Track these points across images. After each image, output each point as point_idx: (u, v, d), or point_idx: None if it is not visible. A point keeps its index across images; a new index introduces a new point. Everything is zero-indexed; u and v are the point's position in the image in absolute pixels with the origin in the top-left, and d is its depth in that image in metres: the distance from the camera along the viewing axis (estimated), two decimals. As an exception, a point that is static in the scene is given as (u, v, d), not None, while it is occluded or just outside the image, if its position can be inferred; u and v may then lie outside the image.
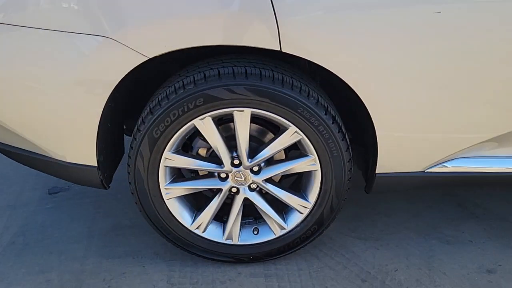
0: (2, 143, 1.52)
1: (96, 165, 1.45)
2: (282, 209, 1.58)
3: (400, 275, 1.59)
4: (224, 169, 1.47)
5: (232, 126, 1.44)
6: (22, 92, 1.35)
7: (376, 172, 1.47)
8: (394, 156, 1.44)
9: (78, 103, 1.33)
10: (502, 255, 1.68)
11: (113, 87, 1.30)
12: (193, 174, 1.62)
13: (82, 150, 1.42)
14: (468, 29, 1.27)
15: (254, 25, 1.24)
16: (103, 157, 1.47)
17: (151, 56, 1.26)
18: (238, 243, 1.59)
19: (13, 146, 1.50)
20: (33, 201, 2.04)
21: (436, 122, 1.38)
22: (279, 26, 1.22)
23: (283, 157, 1.56)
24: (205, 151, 1.56)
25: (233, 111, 1.36)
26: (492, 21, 1.28)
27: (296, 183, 1.61)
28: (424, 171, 1.48)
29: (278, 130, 1.49)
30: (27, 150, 1.49)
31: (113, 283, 1.55)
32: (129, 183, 1.49)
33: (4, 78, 1.34)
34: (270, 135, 1.54)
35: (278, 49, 1.25)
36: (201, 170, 1.52)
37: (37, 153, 1.49)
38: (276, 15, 1.21)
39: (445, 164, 1.47)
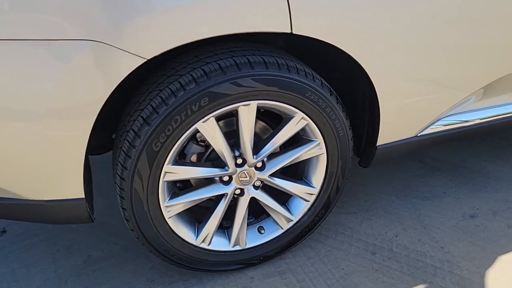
0: None
1: (84, 196, 1.20)
2: (284, 201, 1.50)
3: (402, 239, 1.63)
4: (229, 171, 1.33)
5: (225, 124, 1.31)
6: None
7: (377, 144, 1.46)
8: (393, 125, 1.45)
9: (64, 128, 1.07)
10: (474, 198, 1.83)
11: (104, 100, 1.08)
12: (180, 185, 1.45)
13: (68, 183, 1.16)
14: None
15: (267, 10, 1.11)
16: (86, 186, 1.22)
17: (149, 58, 1.06)
18: (247, 247, 1.48)
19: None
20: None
21: (428, 84, 1.41)
22: (291, 10, 1.11)
23: (278, 149, 1.47)
24: (195, 156, 1.40)
25: (239, 106, 1.23)
26: None
27: (294, 172, 1.53)
28: (417, 135, 1.52)
29: (273, 121, 1.39)
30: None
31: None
32: (123, 209, 1.27)
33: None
34: (264, 128, 1.44)
35: (289, 31, 1.15)
36: (206, 177, 1.35)
37: (4, 198, 1.18)
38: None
39: (433, 125, 1.52)
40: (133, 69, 1.06)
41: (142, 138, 1.17)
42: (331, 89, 1.32)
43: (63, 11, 0.98)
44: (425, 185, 1.91)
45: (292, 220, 1.49)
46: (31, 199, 1.18)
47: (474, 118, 1.56)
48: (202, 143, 1.38)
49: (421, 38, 1.31)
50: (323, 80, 1.30)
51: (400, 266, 1.52)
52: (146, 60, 1.06)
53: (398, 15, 1.26)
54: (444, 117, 1.52)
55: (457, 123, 1.55)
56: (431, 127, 1.52)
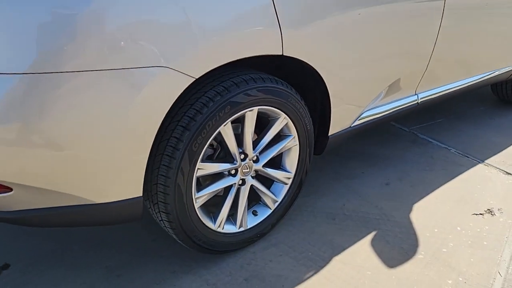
0: (37, 208, 1.34)
1: (142, 194, 1.48)
2: (268, 187, 1.93)
3: (348, 206, 2.18)
4: (237, 165, 1.72)
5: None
6: (72, 143, 1.28)
7: (329, 134, 2.00)
8: (338, 119, 2.00)
9: (136, 135, 1.36)
10: (383, 172, 2.48)
11: (165, 112, 1.40)
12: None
13: (131, 183, 1.43)
14: (372, 25, 1.92)
15: (265, 38, 1.56)
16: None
17: (197, 77, 1.43)
18: (248, 227, 1.86)
19: (49, 208, 1.35)
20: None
21: (360, 86, 2.00)
22: (283, 37, 1.59)
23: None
24: (207, 157, 1.75)
25: (246, 112, 1.64)
26: (385, 21, 1.96)
27: (273, 162, 1.96)
28: (351, 126, 2.10)
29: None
30: (62, 207, 1.37)
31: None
32: (166, 204, 1.56)
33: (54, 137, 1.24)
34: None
35: (281, 54, 1.62)
36: (222, 171, 1.71)
37: (72, 206, 1.39)
38: (281, 29, 1.57)
39: (359, 118, 2.12)
40: (186, 87, 1.42)
41: (184, 141, 1.50)
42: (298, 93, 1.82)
43: (138, 45, 1.30)
44: (348, 169, 2.51)
45: (277, 201, 1.92)
46: (97, 202, 1.41)
47: (381, 111, 2.21)
48: (211, 146, 1.75)
49: (357, 58, 1.89)
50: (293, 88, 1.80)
51: (354, 223, 2.05)
52: (195, 79, 1.43)
53: (344, 46, 1.81)
54: (365, 111, 2.13)
55: (372, 115, 2.17)
56: (358, 119, 2.11)
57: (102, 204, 1.43)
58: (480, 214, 2.14)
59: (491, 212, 2.16)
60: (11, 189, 1.31)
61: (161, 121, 1.41)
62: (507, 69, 2.94)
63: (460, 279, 1.75)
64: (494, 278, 1.76)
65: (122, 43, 1.27)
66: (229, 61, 1.50)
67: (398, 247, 1.91)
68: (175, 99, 1.41)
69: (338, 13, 1.74)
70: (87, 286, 1.69)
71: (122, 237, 1.95)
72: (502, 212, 2.16)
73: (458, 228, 2.04)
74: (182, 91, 1.41)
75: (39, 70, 1.19)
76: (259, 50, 1.56)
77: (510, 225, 2.07)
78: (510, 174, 2.49)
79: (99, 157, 1.34)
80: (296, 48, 1.65)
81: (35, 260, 1.82)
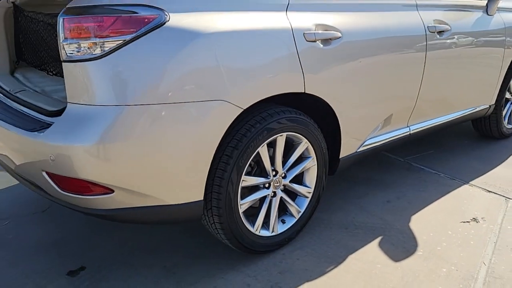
0: (127, 208, 1.79)
1: (203, 198, 1.92)
2: (293, 199, 2.37)
3: (358, 219, 2.61)
4: (270, 179, 2.18)
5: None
6: (158, 157, 1.75)
7: (340, 157, 2.47)
8: (347, 145, 2.47)
9: (201, 152, 1.83)
10: (383, 192, 2.93)
11: (222, 134, 1.88)
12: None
13: (196, 188, 1.88)
14: (372, 73, 2.44)
15: (292, 79, 2.07)
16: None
17: (245, 108, 1.92)
18: (279, 232, 2.29)
19: (137, 207, 1.80)
20: None
21: (364, 120, 2.50)
22: (306, 79, 2.10)
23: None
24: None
25: (277, 136, 2.12)
26: (381, 70, 2.48)
27: (296, 179, 2.41)
28: (356, 152, 2.58)
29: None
30: (146, 206, 1.82)
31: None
32: (219, 208, 2.00)
33: (147, 152, 1.72)
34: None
35: (303, 91, 2.12)
36: (259, 184, 2.16)
37: (153, 206, 1.83)
38: (304, 73, 2.09)
39: (363, 145, 2.60)
40: (236, 116, 1.90)
41: (233, 158, 1.96)
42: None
43: (206, 85, 1.80)
44: (355, 191, 2.96)
45: (300, 212, 2.36)
46: (172, 203, 1.86)
47: (379, 140, 2.69)
48: (250, 165, 2.21)
49: (360, 98, 2.40)
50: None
51: (364, 231, 2.48)
52: (243, 109, 1.91)
53: (350, 88, 2.32)
54: (367, 140, 2.62)
55: (372, 143, 2.65)
56: (362, 146, 2.59)
57: (175, 205, 1.88)
58: (467, 221, 2.58)
59: (476, 220, 2.60)
60: (113, 191, 1.76)
61: (219, 141, 1.88)
62: (482, 107, 3.47)
63: (452, 268, 2.17)
64: (480, 267, 2.18)
65: (194, 84, 1.77)
66: (267, 96, 1.99)
67: (401, 247, 2.34)
68: (228, 125, 1.89)
69: (346, 63, 2.27)
70: (150, 281, 2.09)
71: (175, 242, 2.36)
72: (485, 220, 2.60)
73: (449, 232, 2.47)
74: (234, 119, 1.90)
75: (138, 103, 1.68)
76: (288, 89, 2.07)
77: (491, 229, 2.51)
78: (491, 191, 2.95)
79: (175, 168, 1.80)
80: (314, 88, 2.16)
81: (107, 261, 2.23)
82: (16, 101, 2.17)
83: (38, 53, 2.53)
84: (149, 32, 1.69)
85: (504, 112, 3.77)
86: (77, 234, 2.46)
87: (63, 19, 1.67)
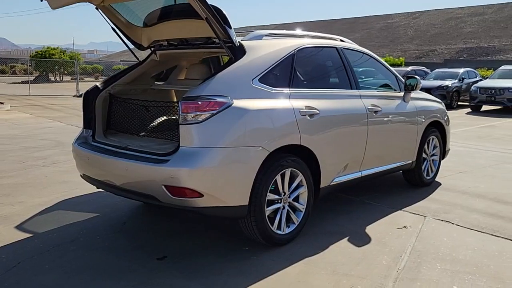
0: (206, 207, 3.16)
1: (247, 203, 3.32)
2: (294, 211, 3.79)
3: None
4: (282, 197, 3.62)
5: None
6: (228, 176, 3.18)
7: (321, 186, 3.95)
8: (325, 178, 3.96)
9: (249, 174, 3.27)
10: (352, 216, 4.39)
11: (259, 166, 3.33)
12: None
13: (245, 197, 3.29)
14: (339, 137, 4.01)
15: (293, 136, 3.60)
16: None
17: (271, 151, 3.40)
18: (286, 232, 3.68)
19: (214, 206, 3.18)
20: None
21: (336, 164, 4.03)
22: (301, 136, 3.63)
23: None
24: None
25: (285, 170, 3.60)
26: (343, 135, 4.07)
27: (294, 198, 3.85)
28: (330, 184, 4.07)
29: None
30: (218, 206, 3.20)
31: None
32: (255, 211, 3.38)
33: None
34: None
35: (299, 144, 3.64)
36: (275, 199, 3.58)
37: (222, 206, 3.22)
38: (300, 133, 3.63)
39: (333, 181, 4.11)
40: (266, 156, 3.38)
41: (263, 181, 3.39)
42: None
43: (254, 137, 3.28)
44: (326, 216, 4.41)
45: (298, 220, 3.77)
46: (232, 205, 3.25)
47: (342, 179, 4.21)
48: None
49: (331, 150, 3.95)
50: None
51: (331, 234, 3.91)
52: (270, 152, 3.40)
53: (326, 143, 3.88)
54: (335, 178, 4.13)
55: (338, 181, 4.16)
56: (333, 181, 4.10)
57: (233, 206, 3.27)
58: (400, 228, 4.08)
59: (405, 227, 4.10)
60: (203, 195, 3.14)
61: (258, 169, 3.34)
62: (408, 161, 5.12)
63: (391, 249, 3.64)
64: (409, 246, 3.66)
65: (246, 137, 3.27)
66: (281, 145, 3.51)
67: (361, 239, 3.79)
68: (263, 160, 3.36)
69: (323, 128, 3.85)
70: (216, 268, 3.40)
71: (228, 241, 3.69)
72: (411, 227, 4.10)
73: (390, 233, 3.95)
74: (265, 157, 3.38)
75: (218, 146, 3.15)
76: (292, 142, 3.59)
77: (413, 231, 4.01)
78: (416, 214, 4.49)
79: (236, 183, 3.24)
80: (305, 142, 3.70)
81: (186, 252, 3.51)
82: (128, 149, 3.54)
83: (127, 123, 3.96)
84: (223, 110, 3.21)
85: (423, 167, 5.45)
86: (153, 241, 3.74)
87: (182, 102, 3.16)
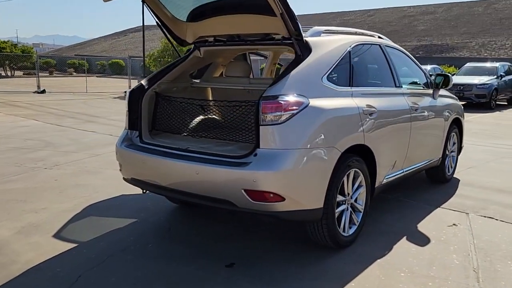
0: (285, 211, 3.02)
1: (322, 206, 3.21)
2: (355, 211, 3.71)
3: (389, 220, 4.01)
4: (346, 198, 3.53)
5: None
6: (308, 179, 3.05)
7: (376, 186, 3.90)
8: (379, 177, 3.92)
9: (326, 176, 3.16)
10: (395, 211, 4.38)
11: (333, 167, 3.23)
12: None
13: (321, 200, 3.17)
14: (392, 136, 3.97)
15: (358, 136, 3.51)
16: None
17: (342, 151, 3.30)
18: (350, 234, 3.60)
19: (294, 210, 3.04)
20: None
21: (389, 161, 3.99)
22: (364, 136, 3.56)
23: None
24: (329, 197, 3.54)
25: (350, 171, 3.51)
26: (392, 127, 4.03)
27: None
28: (382, 183, 4.03)
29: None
30: (297, 210, 3.07)
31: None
32: (327, 213, 3.28)
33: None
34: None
35: (363, 143, 3.56)
36: (341, 200, 3.48)
37: (301, 209, 3.08)
38: (364, 133, 3.55)
39: (385, 179, 4.07)
40: (339, 155, 3.28)
41: (335, 183, 3.30)
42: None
43: (327, 139, 3.17)
44: (381, 213, 4.37)
45: (358, 221, 3.71)
46: (309, 208, 3.13)
47: (393, 175, 4.19)
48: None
49: (387, 149, 3.91)
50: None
51: (388, 234, 3.88)
52: (341, 152, 3.30)
53: (382, 142, 3.82)
54: (386, 176, 4.10)
55: (389, 177, 4.14)
56: (385, 179, 4.06)
57: (311, 209, 3.15)
58: (450, 226, 4.11)
59: (455, 224, 4.13)
60: (284, 199, 2.99)
61: (332, 169, 3.23)
62: (438, 157, 5.19)
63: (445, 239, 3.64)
64: (471, 244, 3.67)
65: (323, 137, 3.15)
66: (351, 145, 3.42)
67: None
68: (337, 160, 3.26)
69: (380, 126, 3.79)
70: (292, 272, 3.27)
71: (287, 243, 3.56)
72: (460, 224, 4.14)
73: (444, 231, 3.97)
74: (338, 157, 3.28)
75: (299, 147, 3.02)
76: (358, 141, 3.51)
77: (464, 228, 4.05)
78: (457, 211, 4.54)
79: (315, 186, 3.12)
80: (367, 141, 3.63)
81: (251, 257, 3.36)
82: (192, 152, 3.33)
83: (177, 123, 3.73)
84: (303, 110, 3.07)
85: (445, 163, 5.53)
86: (209, 247, 3.55)
87: (262, 102, 2.99)
